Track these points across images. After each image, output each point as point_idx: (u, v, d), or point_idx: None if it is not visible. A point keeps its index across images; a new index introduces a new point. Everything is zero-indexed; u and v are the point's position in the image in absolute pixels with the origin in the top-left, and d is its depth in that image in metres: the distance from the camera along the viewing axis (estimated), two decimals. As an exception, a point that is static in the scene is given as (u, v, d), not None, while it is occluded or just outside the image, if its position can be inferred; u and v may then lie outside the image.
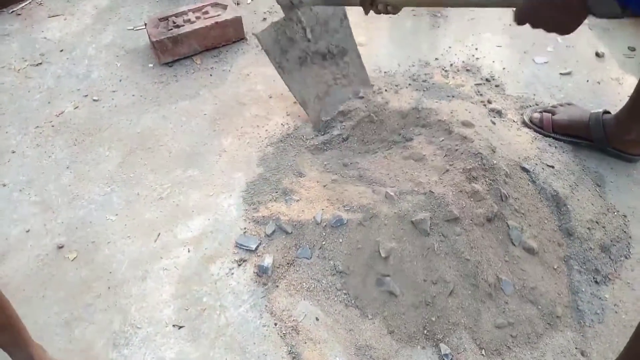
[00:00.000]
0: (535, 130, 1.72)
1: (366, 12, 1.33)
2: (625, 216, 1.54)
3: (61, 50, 2.12)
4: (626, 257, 1.47)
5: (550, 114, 1.72)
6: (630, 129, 1.57)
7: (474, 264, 1.35)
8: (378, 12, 1.32)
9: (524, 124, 1.75)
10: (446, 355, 1.29)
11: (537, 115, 1.74)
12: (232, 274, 1.48)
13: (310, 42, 1.39)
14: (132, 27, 2.18)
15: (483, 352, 1.31)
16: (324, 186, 1.58)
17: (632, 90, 1.55)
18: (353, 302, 1.39)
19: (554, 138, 1.69)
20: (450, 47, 2.07)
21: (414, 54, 2.04)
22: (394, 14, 1.32)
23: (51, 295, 1.45)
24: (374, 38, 2.10)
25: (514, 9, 1.18)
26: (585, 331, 1.34)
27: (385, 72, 1.96)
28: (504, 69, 1.98)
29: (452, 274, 1.36)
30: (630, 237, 1.50)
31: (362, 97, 1.62)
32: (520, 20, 1.15)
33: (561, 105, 1.76)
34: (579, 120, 1.66)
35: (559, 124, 1.69)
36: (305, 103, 1.38)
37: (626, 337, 1.30)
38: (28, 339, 1.18)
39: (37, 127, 1.85)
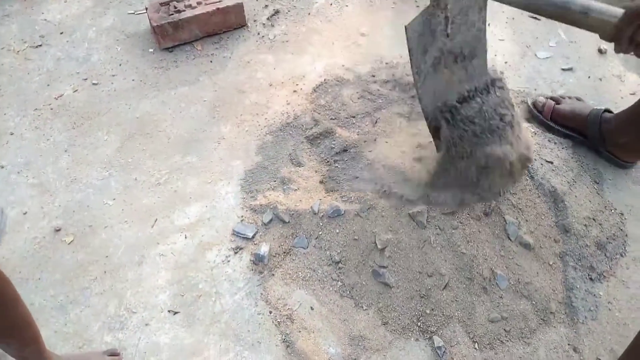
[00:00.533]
0: (533, 115, 1.74)
1: (619, 50, 1.04)
2: (622, 214, 1.55)
3: (61, 33, 2.10)
4: (622, 255, 1.48)
5: (554, 102, 1.73)
6: (625, 132, 1.56)
7: (469, 257, 1.36)
8: (631, 50, 1.03)
9: (527, 108, 1.77)
10: (439, 347, 1.30)
11: (541, 99, 1.76)
12: (229, 261, 1.48)
13: (447, 37, 1.15)
14: (132, 11, 2.16)
15: (476, 345, 1.32)
16: (321, 182, 1.58)
17: (633, 87, 1.54)
18: (348, 292, 1.40)
19: (547, 127, 1.69)
20: (452, 40, 2.06)
21: (416, 45, 2.03)
22: None
23: (47, 277, 1.46)
24: (376, 29, 2.08)
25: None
26: (578, 327, 1.35)
27: (386, 63, 1.95)
28: (505, 62, 1.97)
29: (448, 267, 1.36)
30: (626, 235, 1.51)
31: None
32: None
33: (570, 97, 1.77)
34: (578, 113, 1.66)
35: (558, 113, 1.70)
36: (428, 114, 1.22)
37: (619, 335, 1.31)
38: (43, 344, 1.16)
39: (36, 109, 1.84)
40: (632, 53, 1.03)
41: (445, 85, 1.23)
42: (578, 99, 1.76)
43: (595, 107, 1.65)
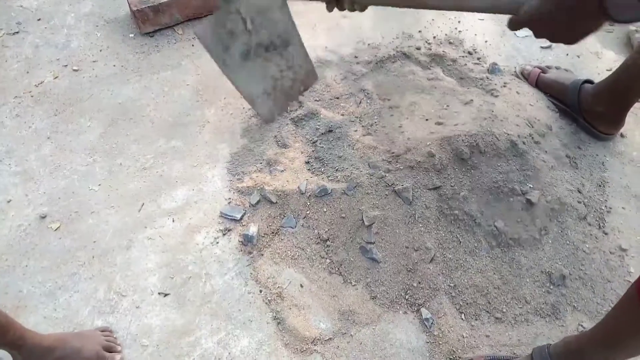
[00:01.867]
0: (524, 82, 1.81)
1: (329, 10, 1.16)
2: (600, 186, 1.59)
3: (39, 19, 2.07)
4: (600, 227, 1.52)
5: (540, 70, 1.79)
6: (601, 101, 1.61)
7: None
8: (342, 9, 1.15)
9: (516, 75, 1.84)
10: (427, 319, 1.33)
11: (529, 68, 1.82)
12: (217, 243, 1.49)
13: (251, 33, 1.21)
14: (111, -4, 2.13)
15: (462, 316, 1.35)
16: (307, 162, 1.59)
17: (610, 64, 1.58)
18: (337, 269, 1.42)
19: None
20: (433, 20, 2.07)
21: (398, 26, 2.04)
22: (361, 11, 1.15)
23: (34, 264, 1.45)
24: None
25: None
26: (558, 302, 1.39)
27: (369, 44, 1.96)
28: (486, 41, 2.00)
29: (433, 241, 1.39)
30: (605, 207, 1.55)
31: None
32: (520, 25, 0.99)
33: (557, 68, 1.83)
34: (561, 82, 1.72)
35: (542, 81, 1.76)
36: (253, 101, 1.25)
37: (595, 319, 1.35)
38: (20, 329, 1.16)
39: (16, 97, 1.81)
40: (348, 10, 1.13)
41: (260, 70, 1.28)
42: (566, 70, 1.84)
43: (577, 78, 1.70)
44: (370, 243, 1.40)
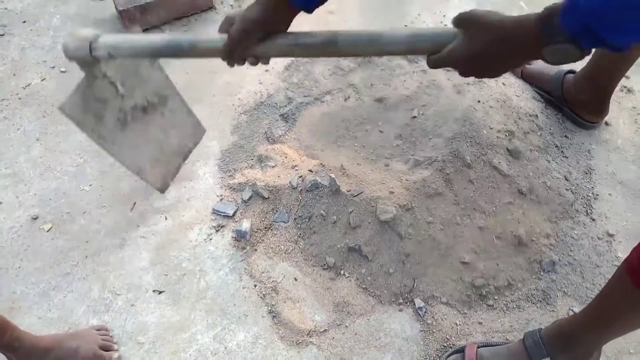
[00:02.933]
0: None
1: (231, 66, 1.02)
2: (586, 173, 1.62)
3: (24, 22, 2.06)
4: (587, 214, 1.54)
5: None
6: (584, 88, 1.64)
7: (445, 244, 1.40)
8: (242, 64, 1.01)
9: None
10: (420, 308, 1.34)
11: None
12: (211, 239, 1.50)
13: (124, 97, 1.07)
14: (97, -3, 2.13)
15: (456, 305, 1.37)
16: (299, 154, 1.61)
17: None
18: (330, 263, 1.43)
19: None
20: (419, 15, 2.09)
21: (384, 21, 2.06)
22: (265, 64, 1.03)
23: (27, 265, 1.45)
24: (344, 6, 2.10)
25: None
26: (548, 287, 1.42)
27: (356, 40, 1.98)
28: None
29: (420, 252, 1.40)
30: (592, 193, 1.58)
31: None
32: (443, 65, 0.90)
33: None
34: (545, 73, 1.74)
35: (527, 72, 1.78)
36: (142, 171, 1.13)
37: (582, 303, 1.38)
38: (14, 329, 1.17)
39: (3, 99, 1.80)
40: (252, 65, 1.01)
41: (142, 136, 1.16)
42: None
43: (560, 69, 1.73)
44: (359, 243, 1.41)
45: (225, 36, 0.96)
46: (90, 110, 1.04)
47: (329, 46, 0.96)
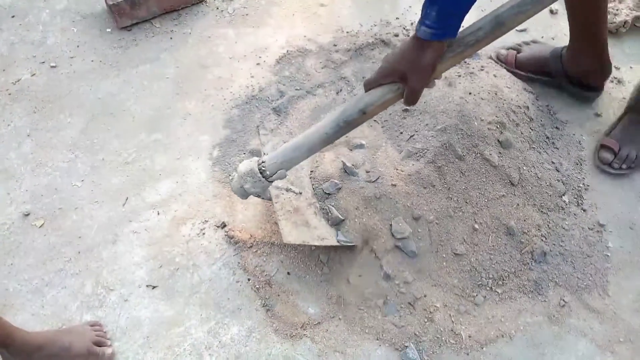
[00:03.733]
0: (501, 66, 1.81)
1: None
2: (577, 164, 1.63)
3: (12, 16, 2.04)
4: (578, 205, 1.55)
5: (515, 52, 1.82)
6: (580, 54, 1.64)
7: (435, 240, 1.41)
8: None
9: (491, 59, 1.84)
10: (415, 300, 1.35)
11: (503, 52, 1.84)
12: (204, 234, 1.50)
13: (302, 192, 1.36)
14: (86, -9, 2.11)
15: (450, 296, 1.38)
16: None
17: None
18: (324, 260, 1.43)
19: (517, 75, 1.77)
20: (410, 7, 2.08)
21: (376, 13, 2.05)
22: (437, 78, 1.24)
23: (19, 262, 1.44)
24: (336, -1, 2.10)
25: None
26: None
27: (347, 32, 1.97)
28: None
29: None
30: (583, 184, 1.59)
31: None
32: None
33: (527, 43, 1.87)
34: (539, 55, 1.76)
35: (520, 61, 1.78)
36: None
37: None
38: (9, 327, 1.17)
39: (-7, 95, 1.79)
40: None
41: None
42: (534, 42, 1.87)
43: (553, 47, 1.74)
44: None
45: (383, 88, 1.15)
46: (298, 225, 1.27)
47: (497, 29, 1.09)
